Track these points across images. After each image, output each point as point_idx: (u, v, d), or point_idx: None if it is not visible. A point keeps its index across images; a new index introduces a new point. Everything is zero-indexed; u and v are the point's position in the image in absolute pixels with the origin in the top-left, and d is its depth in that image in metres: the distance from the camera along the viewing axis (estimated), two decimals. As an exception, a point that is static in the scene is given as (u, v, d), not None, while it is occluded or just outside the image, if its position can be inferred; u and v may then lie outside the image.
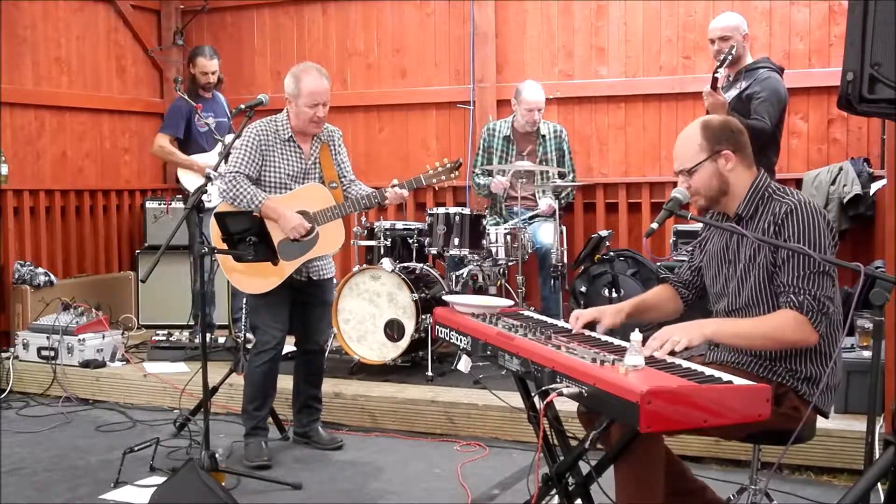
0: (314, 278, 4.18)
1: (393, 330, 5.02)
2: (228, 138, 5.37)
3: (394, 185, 4.05)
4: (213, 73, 6.05)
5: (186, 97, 5.86)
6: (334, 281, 4.44)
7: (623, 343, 2.56)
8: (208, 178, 3.74)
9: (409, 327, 4.96)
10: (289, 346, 4.40)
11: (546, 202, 5.59)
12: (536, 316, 3.11)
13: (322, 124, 4.12)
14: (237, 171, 4.02)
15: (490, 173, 5.82)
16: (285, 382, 4.43)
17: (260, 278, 4.04)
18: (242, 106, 4.02)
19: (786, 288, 2.54)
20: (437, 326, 3.12)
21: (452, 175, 4.18)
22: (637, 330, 2.36)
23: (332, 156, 4.20)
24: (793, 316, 2.49)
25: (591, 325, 2.86)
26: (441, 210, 5.23)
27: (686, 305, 2.98)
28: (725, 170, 2.68)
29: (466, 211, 5.21)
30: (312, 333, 4.29)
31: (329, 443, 4.34)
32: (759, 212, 2.68)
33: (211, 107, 6.06)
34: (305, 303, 4.23)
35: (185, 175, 6.01)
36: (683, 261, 3.15)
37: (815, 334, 2.50)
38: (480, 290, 5.14)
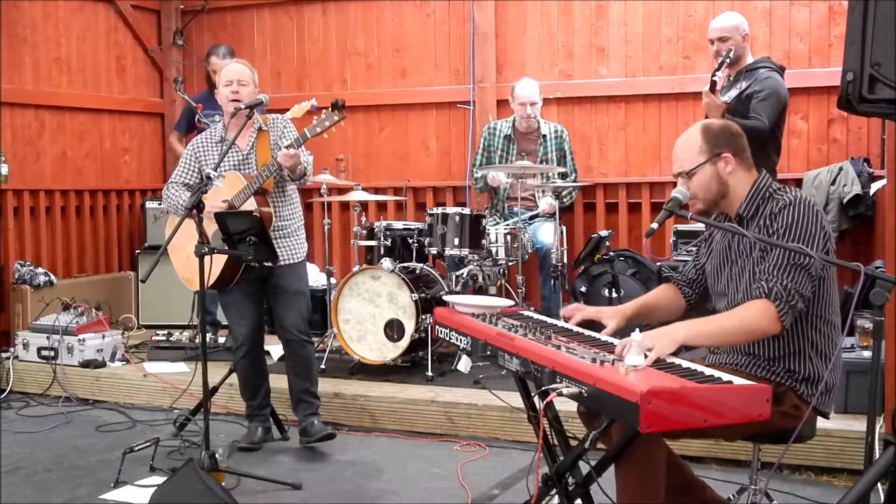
0: (268, 263, 4.17)
1: (393, 330, 5.02)
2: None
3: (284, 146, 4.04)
4: None
5: (186, 97, 5.86)
6: (305, 265, 4.42)
7: (623, 343, 2.56)
8: (208, 178, 3.73)
9: (409, 327, 4.96)
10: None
11: (546, 201, 5.59)
12: (536, 316, 3.10)
13: (238, 102, 4.12)
14: (172, 182, 4.30)
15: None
16: (283, 382, 4.44)
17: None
18: (242, 106, 4.02)
19: (760, 275, 2.54)
20: (437, 326, 3.12)
21: (336, 117, 4.02)
22: (637, 330, 2.36)
23: (271, 142, 4.24)
24: (760, 304, 2.48)
25: (588, 324, 2.86)
26: (441, 210, 5.22)
27: (689, 304, 2.96)
28: (725, 173, 2.68)
29: (466, 211, 5.20)
30: (282, 321, 4.28)
31: (319, 431, 4.24)
32: (760, 211, 2.68)
33: (218, 105, 6.01)
34: (271, 293, 4.31)
35: None
36: (683, 260, 3.14)
37: (779, 324, 2.47)
38: (480, 290, 5.14)
